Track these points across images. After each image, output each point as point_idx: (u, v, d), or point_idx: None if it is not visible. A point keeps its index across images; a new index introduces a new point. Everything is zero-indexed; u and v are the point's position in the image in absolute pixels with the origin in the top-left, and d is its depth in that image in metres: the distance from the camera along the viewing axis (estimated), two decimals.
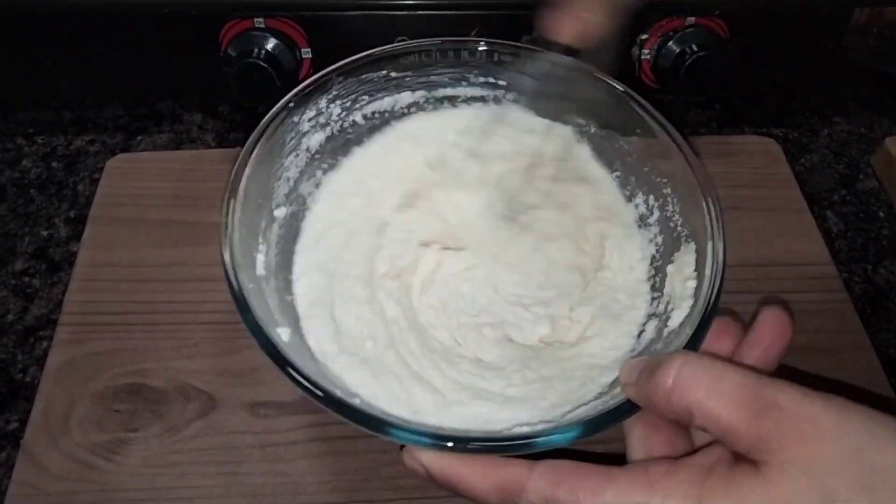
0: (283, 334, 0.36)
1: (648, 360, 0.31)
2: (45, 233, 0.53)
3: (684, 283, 0.38)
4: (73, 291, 0.48)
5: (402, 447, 0.32)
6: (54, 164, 0.58)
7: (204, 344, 0.46)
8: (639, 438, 0.33)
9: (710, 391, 0.28)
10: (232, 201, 0.38)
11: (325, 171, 0.47)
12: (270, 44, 0.53)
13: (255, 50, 0.52)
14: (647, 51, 0.56)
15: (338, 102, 0.46)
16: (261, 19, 0.52)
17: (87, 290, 0.48)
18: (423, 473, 0.32)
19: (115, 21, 0.54)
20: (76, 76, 0.59)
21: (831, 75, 0.62)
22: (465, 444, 0.31)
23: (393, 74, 0.46)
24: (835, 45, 0.60)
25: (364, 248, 0.44)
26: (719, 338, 0.34)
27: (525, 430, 0.33)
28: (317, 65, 0.55)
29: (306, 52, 0.54)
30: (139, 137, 0.60)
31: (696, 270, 0.38)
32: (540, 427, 0.33)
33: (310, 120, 0.45)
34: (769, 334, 0.34)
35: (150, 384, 0.44)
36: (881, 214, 0.57)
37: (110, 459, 0.41)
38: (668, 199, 0.43)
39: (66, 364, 0.44)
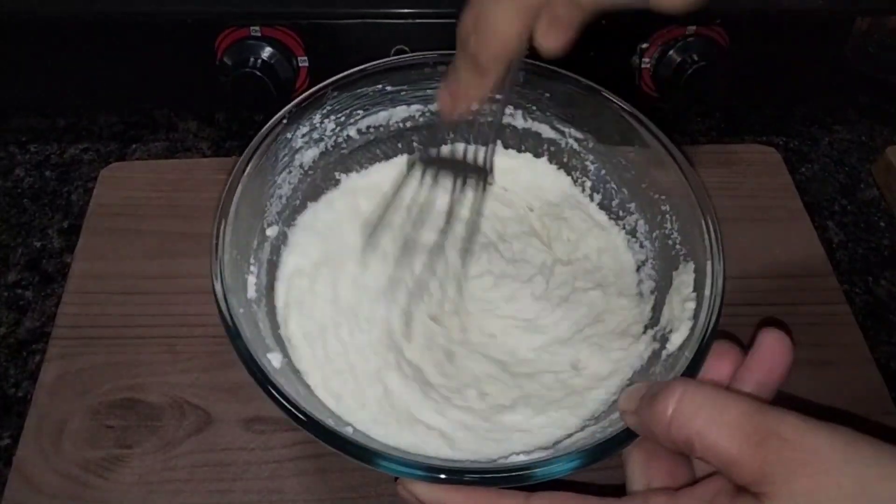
0: (273, 360, 0.36)
1: (648, 388, 0.31)
2: (38, 244, 0.53)
3: (683, 304, 0.38)
4: (66, 304, 0.47)
5: (395, 478, 0.32)
6: (48, 172, 0.57)
7: (199, 358, 0.45)
8: (638, 468, 0.32)
9: (710, 421, 0.28)
10: (223, 222, 0.37)
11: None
12: (266, 53, 0.52)
13: (252, 59, 0.52)
14: (647, 60, 0.56)
15: (332, 118, 0.45)
16: (257, 28, 0.52)
17: (81, 302, 0.47)
18: None
19: (111, 29, 0.54)
20: (71, 83, 0.58)
21: (832, 84, 0.61)
22: (461, 476, 0.30)
23: (388, 88, 0.46)
24: (836, 54, 0.59)
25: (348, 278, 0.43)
26: (718, 361, 0.34)
27: (522, 459, 0.33)
28: (314, 74, 0.54)
29: (303, 61, 0.54)
30: (134, 146, 0.59)
31: (694, 291, 0.38)
32: (536, 457, 0.33)
33: (303, 136, 0.44)
34: (769, 358, 0.33)
35: (144, 399, 0.43)
36: (882, 224, 0.56)
37: (104, 476, 0.40)
38: (667, 216, 0.42)
39: (59, 379, 0.44)
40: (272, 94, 0.52)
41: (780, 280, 0.50)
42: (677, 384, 0.30)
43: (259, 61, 0.52)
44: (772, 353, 0.33)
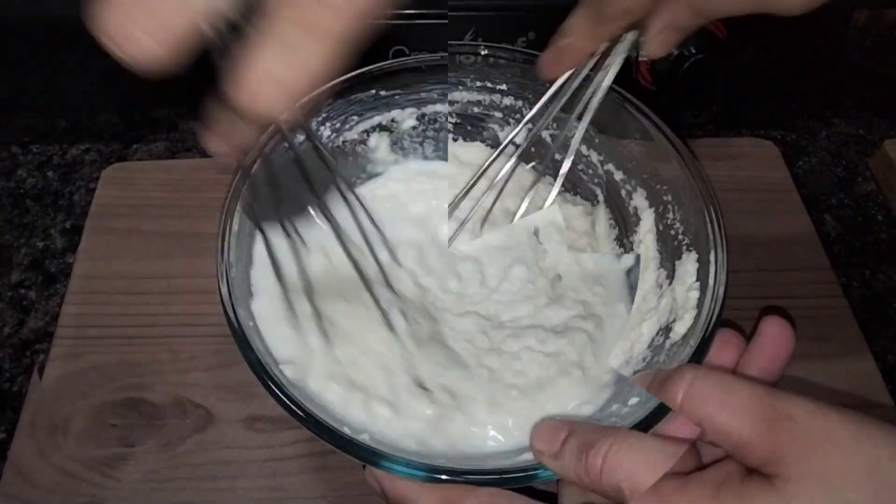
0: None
1: (656, 375, 0.31)
2: (40, 244, 0.53)
3: (686, 294, 0.38)
4: (69, 304, 0.48)
5: (364, 466, 0.33)
6: (50, 173, 0.57)
7: (201, 357, 0.45)
8: None
9: (721, 405, 0.28)
10: (227, 234, 0.37)
11: None
12: None
13: None
14: (644, 53, 0.55)
15: (328, 124, 0.45)
16: None
17: (84, 302, 0.48)
18: (378, 490, 0.33)
19: None
20: (72, 84, 0.58)
21: (830, 77, 0.61)
22: (460, 476, 0.31)
23: (382, 93, 0.46)
24: (834, 47, 0.59)
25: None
26: (722, 349, 0.34)
27: (527, 458, 0.33)
28: None
29: None
30: (135, 146, 0.59)
31: (698, 280, 0.38)
32: None
33: (300, 143, 0.44)
34: (772, 345, 0.34)
35: (146, 398, 0.44)
36: (879, 218, 0.56)
37: (107, 475, 0.41)
38: (669, 206, 0.42)
39: (63, 378, 0.44)
40: None
41: (777, 273, 0.50)
42: (686, 370, 0.30)
43: None
44: (774, 341, 0.34)
